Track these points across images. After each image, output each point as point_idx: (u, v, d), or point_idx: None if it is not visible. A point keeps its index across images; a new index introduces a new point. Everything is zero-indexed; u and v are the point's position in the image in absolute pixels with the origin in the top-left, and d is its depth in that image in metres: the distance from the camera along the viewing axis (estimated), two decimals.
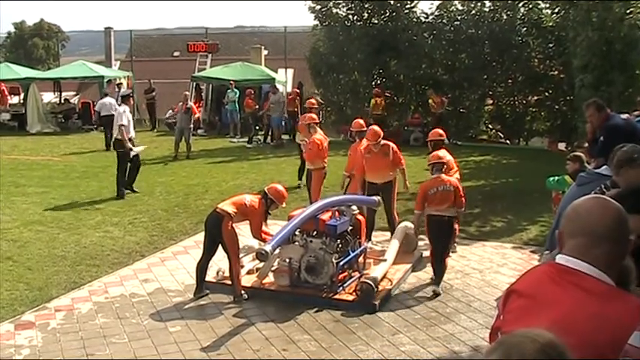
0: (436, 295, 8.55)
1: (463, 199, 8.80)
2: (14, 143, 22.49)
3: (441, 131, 10.62)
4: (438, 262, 8.82)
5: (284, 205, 8.93)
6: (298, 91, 25.72)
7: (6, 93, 28.27)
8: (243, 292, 8.36)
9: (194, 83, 27.60)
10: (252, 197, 8.69)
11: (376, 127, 10.68)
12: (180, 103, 20.63)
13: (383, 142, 10.33)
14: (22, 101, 28.12)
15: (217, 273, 8.89)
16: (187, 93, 21.99)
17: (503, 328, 2.47)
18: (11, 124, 27.11)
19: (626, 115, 8.82)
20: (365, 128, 11.35)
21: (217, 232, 8.33)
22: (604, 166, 5.61)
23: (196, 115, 21.83)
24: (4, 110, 27.76)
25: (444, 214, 8.63)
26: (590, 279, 2.36)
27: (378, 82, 25.50)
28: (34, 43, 69.46)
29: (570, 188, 6.02)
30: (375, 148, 10.25)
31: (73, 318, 7.86)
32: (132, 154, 14.06)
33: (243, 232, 9.06)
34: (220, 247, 8.47)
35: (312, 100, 15.99)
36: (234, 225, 8.40)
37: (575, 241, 2.43)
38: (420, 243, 10.48)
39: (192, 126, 20.21)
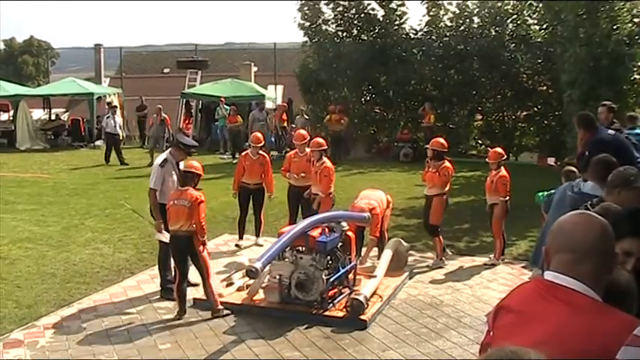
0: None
1: (503, 189, 10.64)
2: (3, 160, 22.45)
3: (442, 141, 10.77)
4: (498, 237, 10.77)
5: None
6: (286, 105, 25.72)
7: None
8: (221, 306, 8.36)
9: (184, 100, 27.62)
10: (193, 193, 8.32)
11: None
12: (155, 115, 22.95)
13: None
14: (11, 118, 28.12)
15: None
16: (160, 106, 23.44)
17: (493, 344, 2.47)
18: (0, 142, 27.12)
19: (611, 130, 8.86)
20: (325, 147, 11.40)
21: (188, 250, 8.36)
22: (589, 184, 5.65)
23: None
24: None
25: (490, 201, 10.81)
26: (578, 295, 2.37)
27: (368, 98, 25.61)
28: (24, 60, 69.50)
29: (555, 208, 6.00)
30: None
31: (62, 336, 7.80)
32: (160, 237, 9.06)
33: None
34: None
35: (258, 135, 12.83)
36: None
37: (561, 257, 2.45)
38: (410, 259, 10.51)
39: (166, 136, 22.06)
